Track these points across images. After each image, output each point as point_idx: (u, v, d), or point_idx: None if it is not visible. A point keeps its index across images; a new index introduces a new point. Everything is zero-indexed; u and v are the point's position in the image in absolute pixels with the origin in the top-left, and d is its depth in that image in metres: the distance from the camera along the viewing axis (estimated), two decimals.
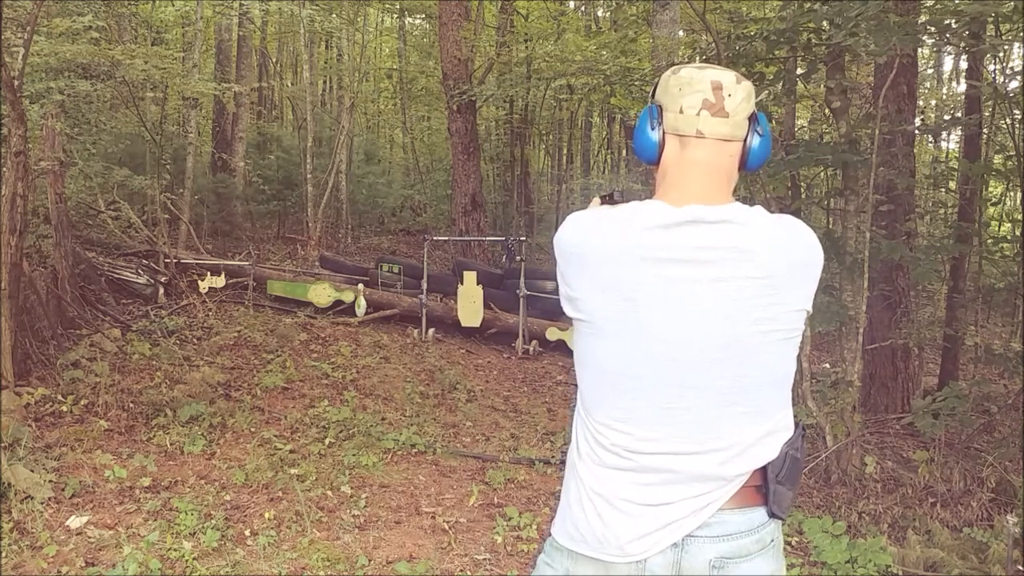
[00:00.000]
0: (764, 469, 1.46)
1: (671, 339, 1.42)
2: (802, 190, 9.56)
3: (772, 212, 1.52)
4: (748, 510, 1.46)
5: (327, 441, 5.12)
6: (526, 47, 12.55)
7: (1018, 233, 8.28)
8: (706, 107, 1.47)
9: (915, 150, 7.57)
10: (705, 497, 1.43)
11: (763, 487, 1.47)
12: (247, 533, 3.80)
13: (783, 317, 1.44)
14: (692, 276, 1.41)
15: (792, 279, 1.45)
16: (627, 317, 1.42)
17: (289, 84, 18.44)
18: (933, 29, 5.03)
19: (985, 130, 8.21)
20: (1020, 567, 3.55)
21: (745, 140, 1.51)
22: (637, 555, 1.42)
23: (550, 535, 1.55)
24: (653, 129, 1.51)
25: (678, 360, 1.42)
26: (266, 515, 3.97)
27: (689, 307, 1.41)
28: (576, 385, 1.56)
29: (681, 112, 1.48)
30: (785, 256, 1.45)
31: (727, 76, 1.49)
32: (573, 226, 1.50)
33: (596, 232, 1.46)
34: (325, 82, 20.21)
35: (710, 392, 1.42)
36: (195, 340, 6.99)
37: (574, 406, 1.56)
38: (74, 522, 3.73)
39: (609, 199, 1.68)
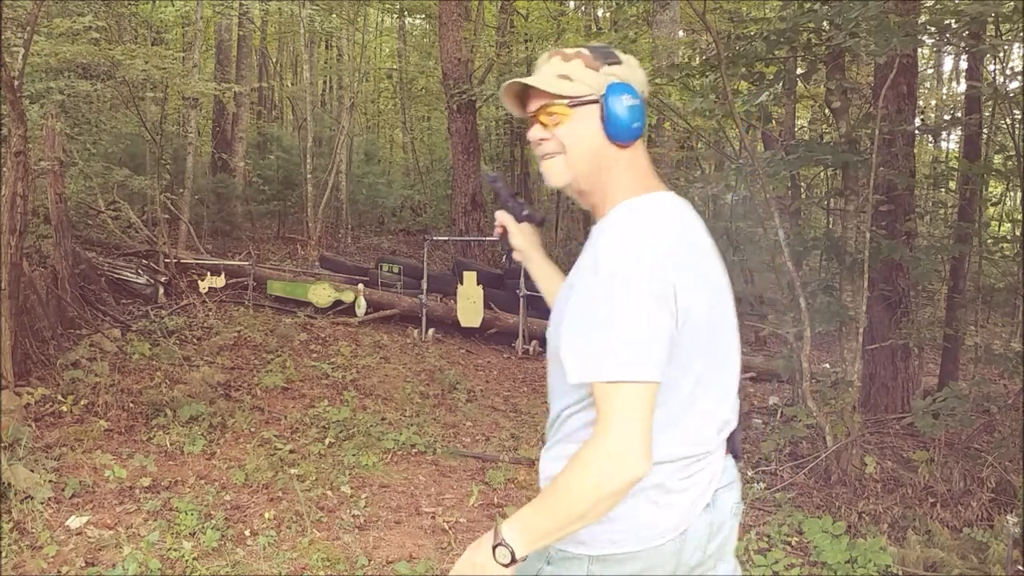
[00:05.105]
0: None
1: (729, 325, 1.50)
2: (802, 190, 9.56)
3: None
4: (728, 456, 1.57)
5: (327, 441, 5.12)
6: (526, 47, 12.56)
7: (1018, 233, 8.29)
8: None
9: (915, 150, 7.56)
10: (720, 450, 1.52)
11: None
12: (247, 533, 3.80)
13: None
14: (715, 260, 1.50)
15: None
16: (712, 312, 1.43)
17: (289, 84, 18.46)
18: (933, 29, 5.03)
19: (985, 130, 8.20)
20: (1020, 567, 3.55)
21: None
22: (681, 527, 1.43)
23: (557, 549, 1.43)
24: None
25: (731, 344, 1.51)
26: (266, 515, 3.97)
27: (728, 291, 1.51)
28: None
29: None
30: None
31: None
32: (655, 240, 1.36)
33: (675, 233, 1.40)
34: (325, 82, 20.22)
35: (735, 368, 1.52)
36: (195, 340, 6.99)
37: (569, 414, 1.45)
38: (74, 522, 3.73)
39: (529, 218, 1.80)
